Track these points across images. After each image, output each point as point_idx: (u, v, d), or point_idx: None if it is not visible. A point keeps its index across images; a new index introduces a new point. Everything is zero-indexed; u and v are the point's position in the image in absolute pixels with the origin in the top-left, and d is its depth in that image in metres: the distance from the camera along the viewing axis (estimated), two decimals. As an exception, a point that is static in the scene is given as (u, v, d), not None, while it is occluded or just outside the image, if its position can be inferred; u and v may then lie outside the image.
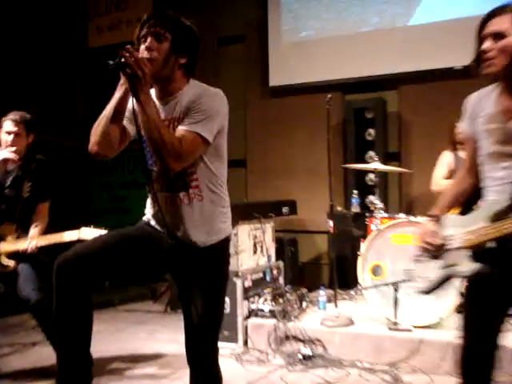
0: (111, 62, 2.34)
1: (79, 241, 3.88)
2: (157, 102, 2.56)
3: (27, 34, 7.26)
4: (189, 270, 2.67)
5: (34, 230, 4.24)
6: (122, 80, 2.48)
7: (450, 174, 5.47)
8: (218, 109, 2.58)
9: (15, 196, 4.23)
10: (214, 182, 2.66)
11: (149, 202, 2.79)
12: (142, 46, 2.52)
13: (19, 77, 6.98)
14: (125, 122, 2.64)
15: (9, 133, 4.15)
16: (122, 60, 2.32)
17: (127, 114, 2.63)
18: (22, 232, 4.21)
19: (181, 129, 2.50)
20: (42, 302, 3.98)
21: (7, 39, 7.00)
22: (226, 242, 2.75)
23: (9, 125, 4.16)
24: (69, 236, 4.00)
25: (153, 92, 2.58)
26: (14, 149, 4.09)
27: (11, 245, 4.14)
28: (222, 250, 2.75)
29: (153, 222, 2.73)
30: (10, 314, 5.63)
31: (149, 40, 2.52)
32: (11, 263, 4.11)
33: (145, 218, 2.79)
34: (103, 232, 3.84)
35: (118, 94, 2.51)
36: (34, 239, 4.10)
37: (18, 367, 4.51)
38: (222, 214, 2.72)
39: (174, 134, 2.48)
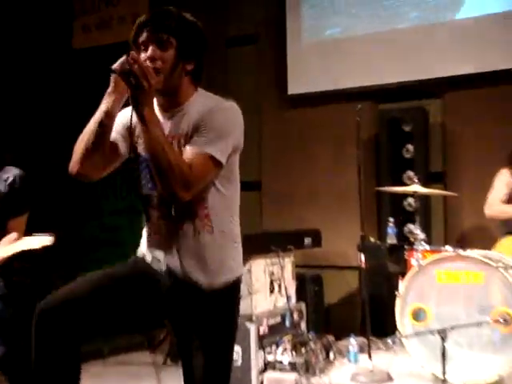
0: (115, 67, 2.36)
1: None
2: (160, 116, 2.55)
3: (7, 34, 7.36)
4: (190, 317, 2.63)
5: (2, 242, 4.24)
6: (111, 88, 2.48)
7: (510, 197, 5.42)
8: (233, 125, 2.57)
9: None
10: (226, 211, 2.64)
11: (145, 232, 2.75)
12: (143, 55, 2.49)
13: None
14: (117, 139, 2.63)
15: None
16: (127, 67, 2.33)
17: (120, 129, 2.64)
18: None
19: (190, 150, 2.47)
20: (5, 354, 3.97)
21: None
22: (236, 284, 2.71)
23: None
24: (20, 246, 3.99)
25: (155, 102, 2.55)
26: None
27: None
28: (231, 294, 2.71)
29: (148, 258, 2.69)
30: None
31: (151, 48, 2.50)
32: None
33: (139, 253, 2.76)
34: (49, 238, 3.84)
35: (104, 106, 2.50)
36: None
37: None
38: (233, 249, 2.70)
39: (181, 156, 2.45)
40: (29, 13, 7.61)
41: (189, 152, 2.46)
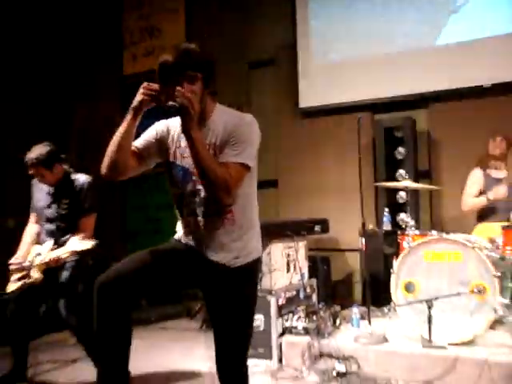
0: (171, 104, 2.40)
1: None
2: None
3: (67, 65, 7.42)
4: (219, 289, 2.68)
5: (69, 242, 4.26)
6: (134, 103, 2.52)
7: (480, 193, 5.44)
8: (256, 136, 2.62)
9: (54, 215, 4.37)
10: (246, 205, 2.67)
11: (179, 223, 2.81)
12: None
13: (60, 106, 7.13)
14: (145, 147, 2.69)
15: (34, 175, 4.34)
16: (179, 101, 2.38)
17: (152, 140, 2.69)
18: (59, 247, 4.24)
19: (227, 161, 2.51)
20: (79, 322, 4.08)
21: (53, 70, 7.16)
22: (256, 262, 2.75)
23: (29, 169, 4.32)
24: (68, 248, 4.07)
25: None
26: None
27: (42, 259, 4.22)
28: (251, 271, 2.75)
29: (184, 241, 2.74)
30: (51, 331, 5.67)
31: (185, 85, 2.50)
32: (36, 276, 4.19)
33: (176, 237, 2.80)
34: (91, 243, 3.99)
35: (125, 123, 2.54)
36: (49, 253, 4.20)
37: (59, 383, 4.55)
38: (252, 235, 2.73)
39: (223, 168, 2.47)
40: (87, 46, 7.66)
41: (227, 163, 2.49)
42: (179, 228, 2.80)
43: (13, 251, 4.46)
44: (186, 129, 2.43)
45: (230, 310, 2.66)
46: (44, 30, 7.38)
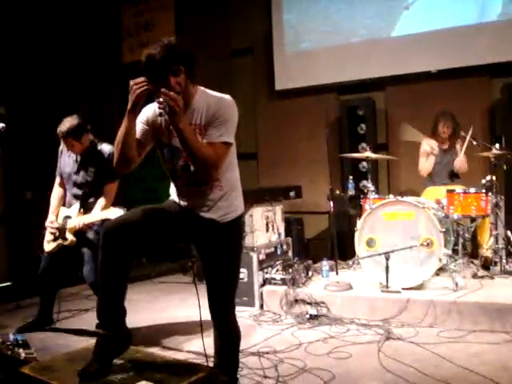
0: (162, 113, 2.39)
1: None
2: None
3: (73, 53, 7.35)
4: (211, 242, 2.72)
5: (96, 207, 4.24)
6: (130, 105, 2.50)
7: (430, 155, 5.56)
8: (235, 115, 2.60)
9: (81, 181, 4.28)
10: (229, 171, 2.70)
11: (172, 188, 2.83)
12: (163, 89, 2.42)
13: (67, 88, 7.08)
14: (143, 136, 2.65)
15: (66, 145, 4.25)
16: (165, 107, 2.37)
17: (144, 126, 2.65)
18: (86, 212, 4.23)
19: (212, 141, 2.52)
20: (95, 284, 4.03)
21: (58, 58, 7.10)
22: (240, 218, 2.80)
23: (61, 140, 4.25)
24: (101, 215, 4.06)
25: None
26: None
27: (74, 222, 4.20)
28: (238, 225, 2.79)
29: (178, 202, 2.77)
30: (68, 285, 5.70)
31: (171, 79, 2.46)
32: (70, 238, 4.19)
33: (171, 198, 2.83)
34: (122, 211, 3.94)
35: (126, 123, 2.53)
36: (81, 217, 4.17)
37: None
38: (236, 195, 2.77)
39: (209, 148, 2.49)
40: (90, 38, 7.61)
41: (212, 143, 2.50)
42: (173, 192, 2.83)
43: (31, 220, 4.44)
44: (173, 123, 2.44)
45: (221, 258, 2.72)
46: (51, 27, 7.32)
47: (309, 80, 6.98)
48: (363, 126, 6.64)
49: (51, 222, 4.35)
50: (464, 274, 4.72)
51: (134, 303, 5.48)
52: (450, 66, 6.08)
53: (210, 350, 2.86)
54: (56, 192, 4.51)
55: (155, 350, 3.89)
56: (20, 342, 3.52)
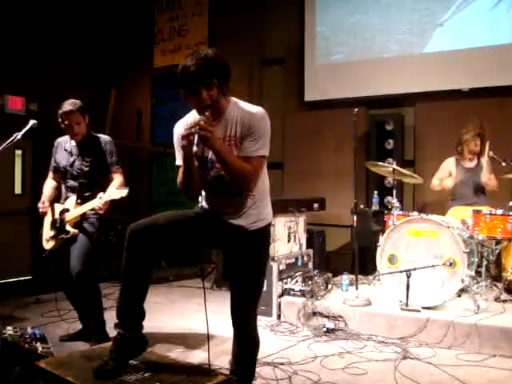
0: (195, 148, 2.41)
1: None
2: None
3: (107, 55, 7.47)
4: (239, 248, 2.74)
5: (112, 185, 4.09)
6: (183, 161, 2.56)
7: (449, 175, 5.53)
8: (269, 126, 2.63)
9: (77, 171, 4.15)
10: (261, 181, 2.71)
11: (203, 199, 2.82)
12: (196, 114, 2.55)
13: (98, 88, 7.19)
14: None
15: (69, 126, 4.09)
16: (196, 140, 2.40)
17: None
18: (82, 203, 4.07)
19: (250, 155, 2.56)
20: (82, 275, 3.92)
21: (91, 59, 7.22)
22: (268, 226, 2.82)
23: (66, 119, 4.08)
24: (106, 197, 3.92)
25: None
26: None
27: (73, 214, 4.07)
28: (266, 233, 2.82)
29: (206, 207, 2.78)
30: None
31: (203, 92, 2.50)
32: (72, 230, 4.06)
33: (199, 206, 2.81)
34: (126, 190, 3.84)
35: (183, 169, 2.58)
36: (101, 198, 3.95)
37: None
38: (266, 204, 2.80)
39: (247, 163, 2.53)
40: (126, 42, 7.74)
41: (250, 158, 2.55)
42: (203, 203, 2.82)
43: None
44: (210, 148, 2.49)
45: (248, 265, 2.73)
46: (87, 27, 7.46)
47: (338, 92, 6.96)
48: (391, 141, 6.59)
49: (42, 202, 4.22)
50: (486, 297, 4.66)
51: (151, 306, 5.50)
52: (483, 85, 6.02)
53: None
54: (48, 183, 4.37)
55: (170, 354, 3.91)
56: (38, 336, 3.56)
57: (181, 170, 2.62)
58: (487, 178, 5.33)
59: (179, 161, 2.69)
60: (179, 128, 2.74)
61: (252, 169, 2.54)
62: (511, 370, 3.74)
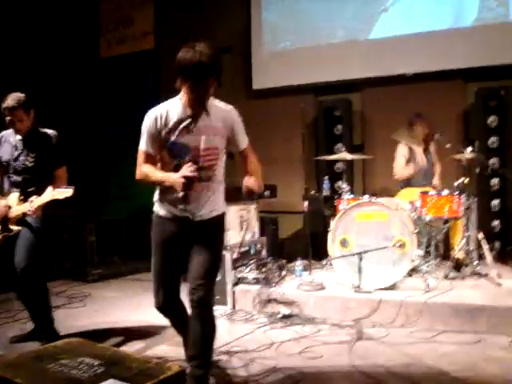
0: (180, 195, 2.79)
1: None
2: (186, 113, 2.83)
3: (49, 48, 7.25)
4: (199, 234, 2.93)
5: (47, 190, 3.84)
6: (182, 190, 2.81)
7: (406, 163, 5.60)
8: None
9: (21, 166, 3.99)
10: (220, 170, 3.01)
11: (159, 193, 3.02)
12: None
13: (44, 83, 6.97)
14: (154, 150, 2.91)
15: (11, 121, 3.95)
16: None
17: (156, 134, 2.86)
18: (26, 200, 3.88)
19: (245, 146, 3.07)
20: (26, 271, 3.81)
21: (34, 53, 7.01)
22: (223, 215, 3.09)
23: (8, 114, 3.93)
24: (47, 196, 3.75)
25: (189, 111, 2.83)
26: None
27: (16, 211, 3.91)
28: (222, 220, 3.07)
29: (168, 213, 2.97)
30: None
31: (212, 86, 2.76)
32: (16, 228, 3.91)
33: (161, 213, 3.00)
34: (71, 190, 3.70)
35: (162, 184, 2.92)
36: (32, 201, 3.80)
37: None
38: (222, 193, 3.07)
39: (252, 155, 3.09)
40: (67, 33, 7.52)
41: (245, 146, 3.06)
42: (158, 198, 3.02)
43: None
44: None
45: (208, 246, 2.92)
46: (30, 22, 7.23)
47: (286, 80, 6.96)
48: (339, 126, 6.64)
49: None
50: (436, 275, 4.76)
51: (107, 301, 5.44)
52: (426, 70, 6.13)
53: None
54: None
55: (126, 348, 3.86)
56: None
57: (149, 168, 2.89)
58: (438, 173, 5.47)
59: (144, 146, 2.90)
60: (154, 114, 2.88)
61: (255, 157, 3.05)
62: (460, 343, 3.84)
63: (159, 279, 3.00)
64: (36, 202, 3.78)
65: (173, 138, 2.82)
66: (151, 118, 2.87)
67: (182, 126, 2.81)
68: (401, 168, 5.65)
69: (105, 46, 8.03)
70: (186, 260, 2.94)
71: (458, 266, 5.01)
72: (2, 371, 2.44)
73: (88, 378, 2.33)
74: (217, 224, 3.01)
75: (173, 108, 2.87)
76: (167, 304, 3.00)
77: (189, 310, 2.96)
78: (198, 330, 2.88)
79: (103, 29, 8.08)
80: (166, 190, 2.92)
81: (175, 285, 3.02)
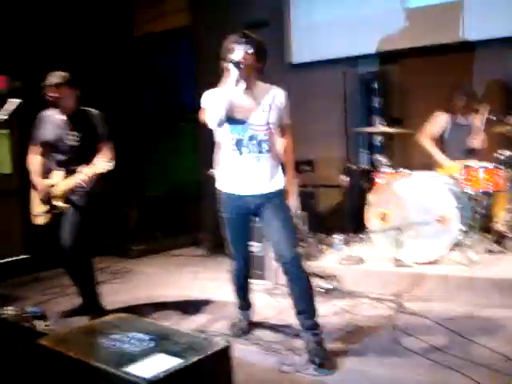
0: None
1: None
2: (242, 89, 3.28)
3: (83, 28, 7.27)
4: (270, 202, 3.35)
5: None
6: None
7: (438, 136, 5.49)
8: None
9: (67, 146, 4.00)
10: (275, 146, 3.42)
11: (221, 171, 3.42)
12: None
13: (76, 63, 7.03)
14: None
15: (57, 99, 3.96)
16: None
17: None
18: (70, 176, 3.95)
19: (287, 122, 3.48)
20: (73, 248, 3.90)
21: (70, 32, 7.04)
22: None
23: (53, 91, 3.94)
24: (91, 170, 3.84)
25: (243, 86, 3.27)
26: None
27: (64, 185, 3.96)
28: (284, 190, 3.44)
29: (235, 191, 3.38)
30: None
31: (247, 56, 3.26)
32: (62, 205, 3.97)
33: (225, 190, 3.43)
34: (111, 164, 3.82)
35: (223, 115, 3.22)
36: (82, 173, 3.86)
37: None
38: (280, 167, 3.45)
39: (289, 135, 3.52)
40: (100, 11, 7.52)
41: (287, 122, 3.47)
42: (222, 176, 3.41)
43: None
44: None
45: (282, 211, 3.35)
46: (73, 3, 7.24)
47: (323, 53, 6.80)
48: (377, 99, 6.50)
49: (39, 182, 4.10)
50: (478, 250, 4.70)
51: (147, 277, 5.56)
52: (465, 39, 5.95)
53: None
54: (35, 159, 4.18)
55: (169, 323, 3.95)
56: (37, 314, 3.57)
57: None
58: (482, 143, 5.32)
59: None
60: (210, 94, 3.30)
61: (291, 136, 3.50)
62: (503, 318, 3.81)
63: (235, 244, 3.59)
64: (85, 171, 3.83)
65: (234, 115, 3.21)
66: (206, 96, 3.28)
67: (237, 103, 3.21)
68: (429, 135, 5.51)
69: (139, 24, 8.01)
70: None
71: (501, 239, 4.93)
72: (55, 345, 2.52)
73: (139, 352, 2.39)
74: (282, 192, 3.42)
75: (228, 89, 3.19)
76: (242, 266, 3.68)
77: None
78: (298, 286, 3.35)
79: (136, 6, 8.05)
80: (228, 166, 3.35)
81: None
